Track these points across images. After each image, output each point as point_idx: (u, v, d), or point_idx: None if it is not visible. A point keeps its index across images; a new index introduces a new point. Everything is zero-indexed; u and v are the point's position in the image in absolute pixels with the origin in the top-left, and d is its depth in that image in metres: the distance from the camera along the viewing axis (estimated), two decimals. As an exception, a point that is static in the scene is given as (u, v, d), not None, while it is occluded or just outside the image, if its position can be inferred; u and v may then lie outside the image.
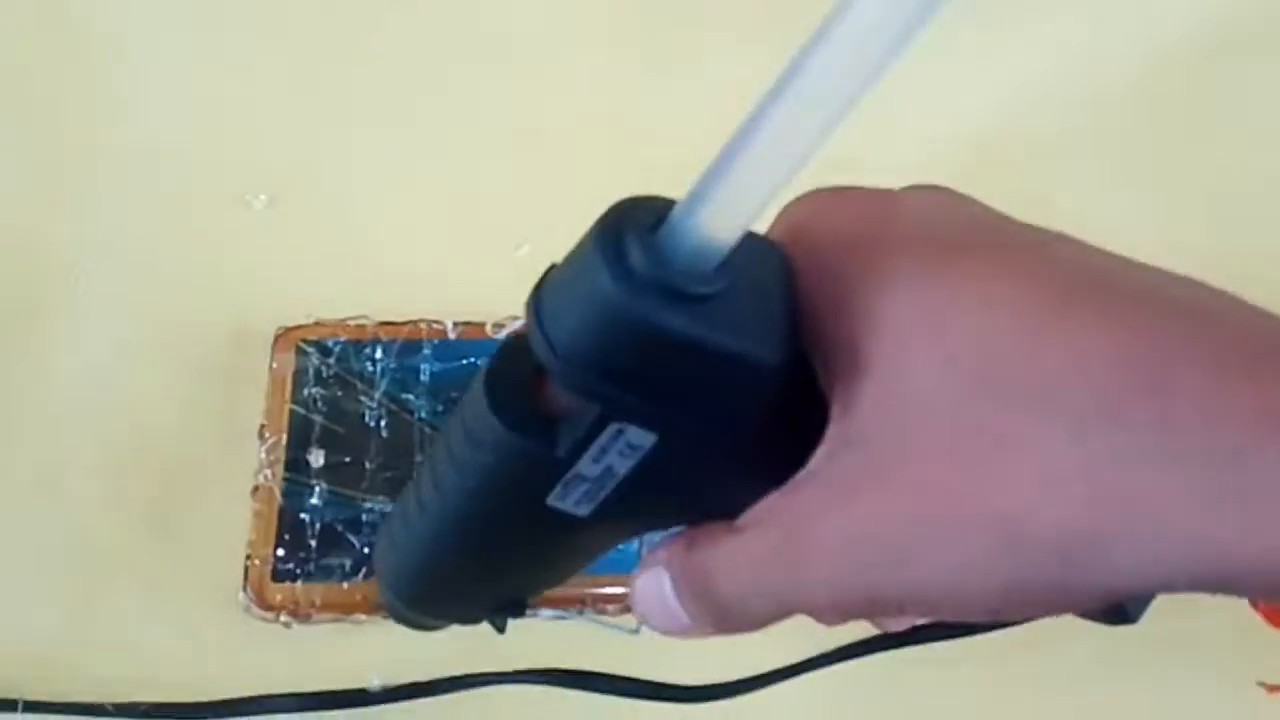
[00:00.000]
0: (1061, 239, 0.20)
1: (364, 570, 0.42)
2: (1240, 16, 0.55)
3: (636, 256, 0.18)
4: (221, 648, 0.41)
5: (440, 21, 0.54)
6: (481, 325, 0.46)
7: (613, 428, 0.20)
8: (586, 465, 0.21)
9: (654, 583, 0.23)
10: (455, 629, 0.29)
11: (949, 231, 0.20)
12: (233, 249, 0.49)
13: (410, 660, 0.41)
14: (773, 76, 0.17)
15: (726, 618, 0.22)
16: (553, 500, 0.21)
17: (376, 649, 0.41)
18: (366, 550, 0.42)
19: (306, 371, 0.45)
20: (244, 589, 0.41)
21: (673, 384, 0.19)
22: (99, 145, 0.51)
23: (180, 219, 0.49)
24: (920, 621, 0.28)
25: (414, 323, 0.46)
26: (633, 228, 0.18)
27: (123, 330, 0.47)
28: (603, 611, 0.41)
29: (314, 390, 0.45)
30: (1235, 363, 0.17)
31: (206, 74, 0.53)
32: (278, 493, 0.43)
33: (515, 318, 0.46)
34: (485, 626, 0.29)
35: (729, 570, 0.21)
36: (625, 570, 0.41)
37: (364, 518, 0.43)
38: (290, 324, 0.46)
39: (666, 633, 0.23)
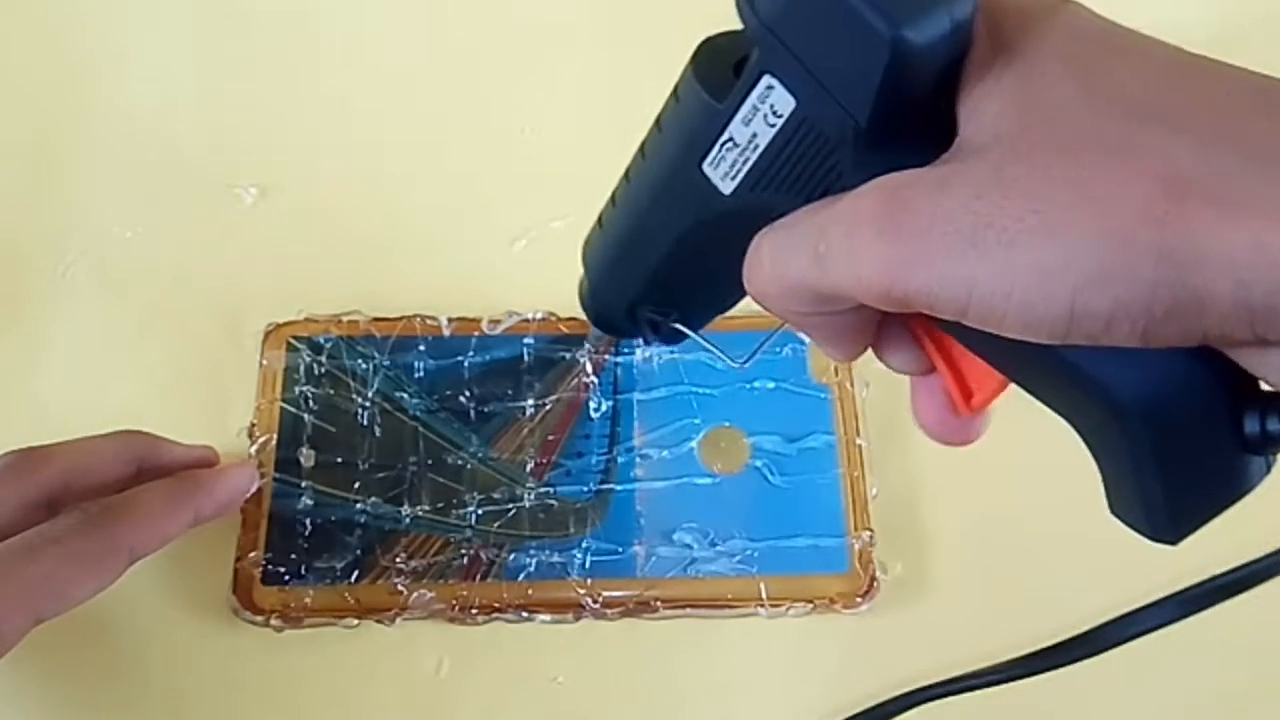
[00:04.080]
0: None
1: (356, 572, 0.41)
2: (1242, 15, 0.55)
3: None
4: (209, 652, 0.40)
5: (436, 14, 0.53)
6: (477, 321, 0.45)
7: (764, 83, 0.23)
8: (737, 127, 0.24)
9: (777, 238, 0.24)
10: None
11: (1106, 23, 0.22)
12: (222, 242, 0.48)
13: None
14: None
15: (813, 274, 0.23)
16: (707, 166, 0.25)
17: (368, 652, 0.40)
18: (359, 552, 0.41)
19: (297, 369, 0.44)
20: (233, 592, 0.40)
21: (824, 54, 0.22)
22: (87, 137, 0.50)
23: (168, 211, 0.49)
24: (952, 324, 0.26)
25: (408, 319, 0.45)
26: None
27: (110, 325, 0.46)
28: (601, 616, 0.40)
29: (305, 388, 0.44)
30: None
31: (197, 64, 0.52)
32: (267, 493, 0.42)
33: (512, 313, 0.45)
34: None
35: (831, 221, 0.22)
36: (627, 573, 0.40)
37: (356, 519, 0.42)
38: (281, 320, 0.45)
39: (765, 292, 0.25)
